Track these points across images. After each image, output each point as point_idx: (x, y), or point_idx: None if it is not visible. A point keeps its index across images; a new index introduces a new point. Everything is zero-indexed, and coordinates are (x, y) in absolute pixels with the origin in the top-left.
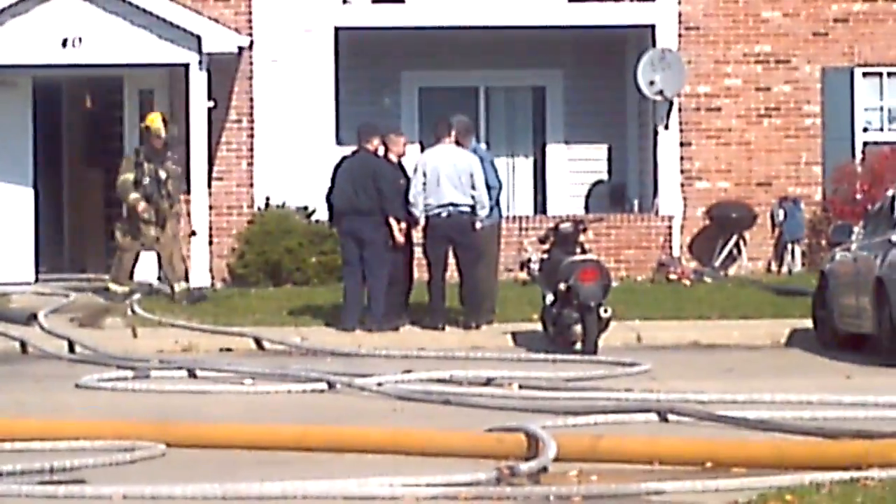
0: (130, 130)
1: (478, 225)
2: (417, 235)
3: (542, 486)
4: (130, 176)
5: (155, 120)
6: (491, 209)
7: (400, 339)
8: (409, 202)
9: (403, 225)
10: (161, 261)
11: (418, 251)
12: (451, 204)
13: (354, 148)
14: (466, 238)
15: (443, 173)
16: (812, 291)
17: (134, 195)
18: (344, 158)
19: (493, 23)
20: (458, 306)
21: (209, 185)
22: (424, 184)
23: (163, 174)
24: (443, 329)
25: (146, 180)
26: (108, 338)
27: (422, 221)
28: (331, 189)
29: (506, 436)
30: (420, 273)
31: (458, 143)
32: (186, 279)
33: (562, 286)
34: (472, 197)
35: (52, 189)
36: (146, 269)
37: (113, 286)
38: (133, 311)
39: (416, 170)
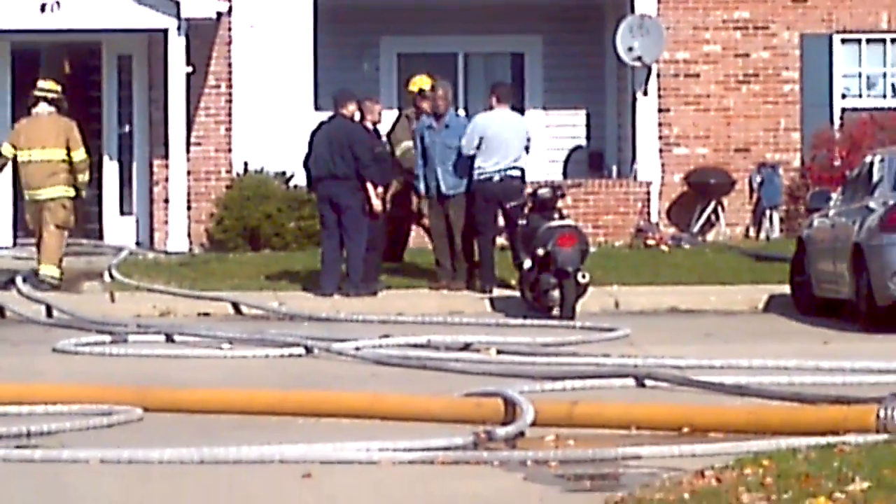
0: (108, 96)
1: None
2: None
3: (520, 450)
4: (410, 143)
5: (425, 81)
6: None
7: (378, 303)
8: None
9: (380, 190)
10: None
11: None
12: (509, 168)
13: (331, 114)
14: (515, 203)
15: (503, 137)
16: (790, 257)
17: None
18: (321, 124)
19: None
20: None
21: (187, 151)
22: (478, 147)
23: None
24: (490, 292)
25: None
26: (86, 302)
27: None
28: (308, 155)
29: (483, 401)
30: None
31: (514, 108)
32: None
33: (540, 251)
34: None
35: None
36: (125, 232)
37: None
38: (111, 276)
39: (470, 132)
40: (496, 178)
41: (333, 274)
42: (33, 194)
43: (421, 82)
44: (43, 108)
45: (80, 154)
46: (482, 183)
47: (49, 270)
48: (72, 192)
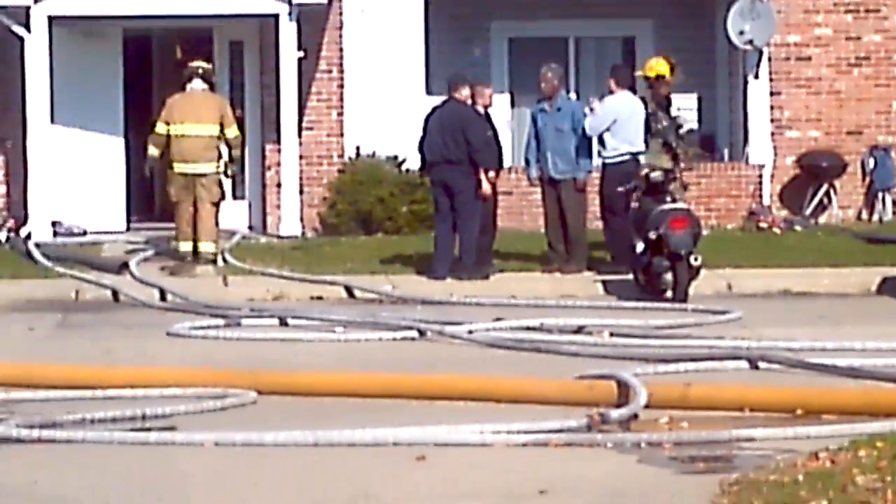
0: (220, 81)
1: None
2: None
3: (633, 433)
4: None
5: (661, 65)
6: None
7: (490, 287)
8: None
9: (492, 174)
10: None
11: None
12: (638, 150)
13: (444, 98)
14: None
15: (634, 120)
16: None
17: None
18: (434, 108)
19: None
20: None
21: (299, 135)
22: (607, 129)
23: (675, 123)
24: (627, 273)
25: (665, 131)
26: (200, 286)
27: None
28: (422, 139)
29: (596, 383)
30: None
31: (633, 90)
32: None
33: (652, 235)
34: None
35: (142, 139)
36: (237, 217)
37: None
38: (225, 260)
39: (603, 115)
40: (629, 159)
41: (446, 257)
42: (188, 168)
43: (658, 67)
44: (197, 83)
45: (233, 131)
46: (616, 165)
47: (208, 247)
48: (223, 169)
